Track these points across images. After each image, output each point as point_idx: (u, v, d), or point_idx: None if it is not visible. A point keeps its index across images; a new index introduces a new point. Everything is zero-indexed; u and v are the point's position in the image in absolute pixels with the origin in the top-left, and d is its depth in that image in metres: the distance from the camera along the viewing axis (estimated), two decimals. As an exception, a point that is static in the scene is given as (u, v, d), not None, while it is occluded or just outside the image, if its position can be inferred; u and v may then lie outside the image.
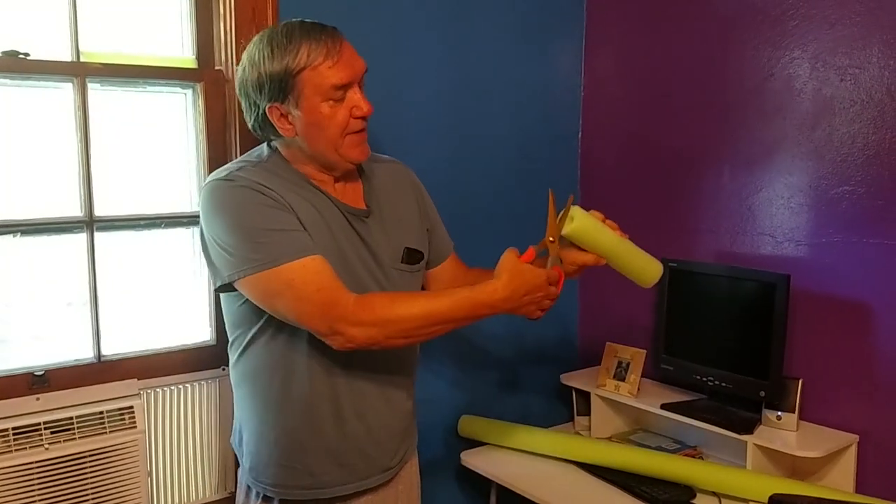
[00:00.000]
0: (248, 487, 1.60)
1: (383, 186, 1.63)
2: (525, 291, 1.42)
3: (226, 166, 1.52)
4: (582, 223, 1.48)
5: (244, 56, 1.48)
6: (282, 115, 1.45)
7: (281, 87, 1.42)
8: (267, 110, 1.45)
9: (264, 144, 1.56)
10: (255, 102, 1.46)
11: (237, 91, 1.50)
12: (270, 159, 1.52)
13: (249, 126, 1.52)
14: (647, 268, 1.59)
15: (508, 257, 1.44)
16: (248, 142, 1.63)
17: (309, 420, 1.52)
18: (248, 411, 1.58)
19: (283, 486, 1.55)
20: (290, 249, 1.39)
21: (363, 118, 1.47)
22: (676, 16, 2.33)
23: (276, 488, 1.55)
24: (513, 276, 1.41)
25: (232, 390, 1.62)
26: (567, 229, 1.48)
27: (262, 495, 1.57)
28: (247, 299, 1.46)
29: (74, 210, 1.79)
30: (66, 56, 1.75)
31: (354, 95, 1.46)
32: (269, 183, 1.45)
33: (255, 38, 1.47)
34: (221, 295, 1.53)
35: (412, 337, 1.44)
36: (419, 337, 1.45)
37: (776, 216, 2.11)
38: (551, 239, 1.48)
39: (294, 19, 1.47)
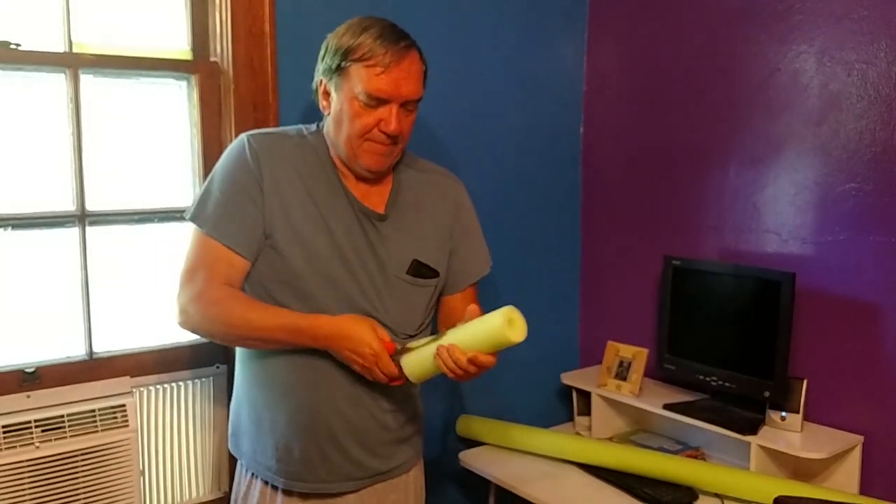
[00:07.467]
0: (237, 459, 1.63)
1: (415, 195, 1.61)
2: (348, 345, 1.42)
3: (273, 128, 1.61)
4: (411, 373, 1.44)
5: None
6: (326, 92, 1.50)
7: (333, 65, 1.46)
8: (318, 83, 1.51)
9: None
10: (317, 70, 1.52)
11: None
12: (313, 134, 1.56)
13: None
14: (493, 332, 1.34)
15: (366, 319, 1.44)
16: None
17: (274, 405, 1.52)
18: (237, 379, 1.61)
19: (252, 459, 1.56)
20: (217, 226, 1.45)
21: (387, 135, 1.47)
22: (680, 9, 2.29)
23: (246, 459, 1.58)
24: (352, 326, 1.42)
25: (225, 389, 1.61)
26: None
27: (250, 471, 1.58)
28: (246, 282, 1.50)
29: (66, 204, 1.76)
30: (58, 47, 1.72)
31: (389, 111, 1.46)
32: (283, 157, 1.49)
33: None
34: None
35: (234, 341, 1.51)
36: (244, 343, 1.50)
37: (781, 213, 2.08)
38: (409, 346, 1.44)
39: (385, 20, 1.48)
